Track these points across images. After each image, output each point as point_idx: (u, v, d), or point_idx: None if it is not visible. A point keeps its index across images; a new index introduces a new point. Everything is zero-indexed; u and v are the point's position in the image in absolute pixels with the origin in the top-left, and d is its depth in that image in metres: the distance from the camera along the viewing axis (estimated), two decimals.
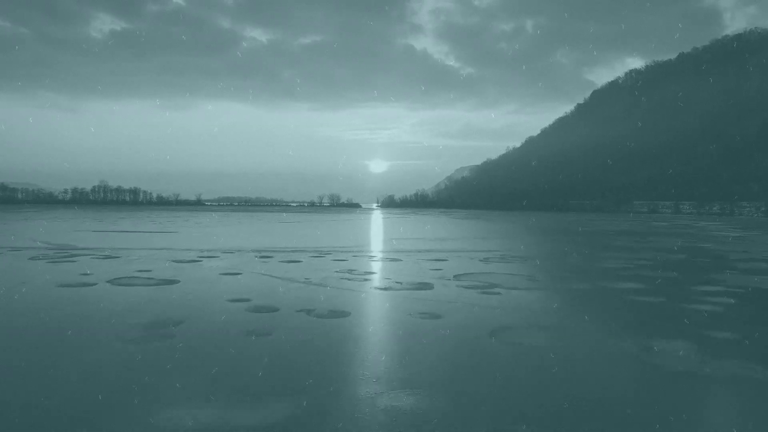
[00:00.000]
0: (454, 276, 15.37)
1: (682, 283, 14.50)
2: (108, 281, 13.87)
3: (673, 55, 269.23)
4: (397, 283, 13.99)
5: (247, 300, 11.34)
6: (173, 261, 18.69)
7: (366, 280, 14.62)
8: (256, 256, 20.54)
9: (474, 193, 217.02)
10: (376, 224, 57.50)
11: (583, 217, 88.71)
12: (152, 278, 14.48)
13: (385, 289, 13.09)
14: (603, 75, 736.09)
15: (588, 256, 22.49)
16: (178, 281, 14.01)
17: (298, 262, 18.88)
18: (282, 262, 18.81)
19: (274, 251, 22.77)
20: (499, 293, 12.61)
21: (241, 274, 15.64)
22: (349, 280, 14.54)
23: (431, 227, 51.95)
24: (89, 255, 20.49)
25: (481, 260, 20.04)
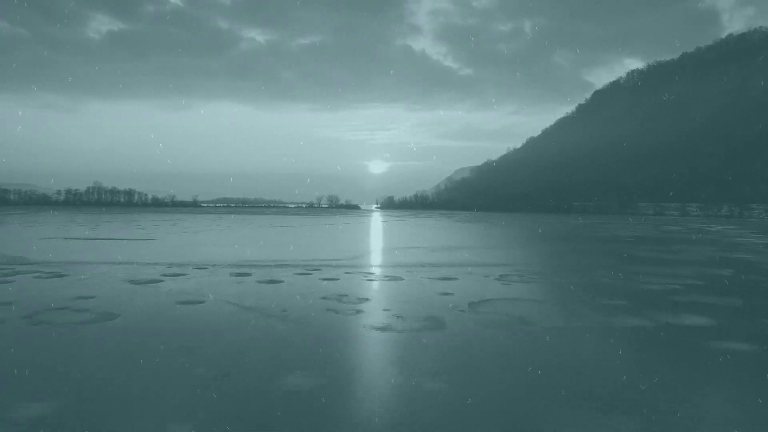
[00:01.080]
0: (470, 305, 12.27)
1: (760, 315, 11.39)
2: (26, 316, 10.73)
3: (672, 56, 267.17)
4: (398, 318, 10.87)
5: (194, 350, 8.25)
6: (129, 282, 15.55)
7: (359, 312, 11.51)
8: (230, 274, 17.40)
9: (475, 195, 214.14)
10: (375, 229, 54.41)
11: (590, 220, 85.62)
12: (87, 310, 11.36)
13: (382, 329, 9.96)
14: (601, 76, 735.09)
15: (619, 271, 19.37)
16: (118, 316, 10.89)
17: (279, 282, 15.75)
18: (260, 282, 15.68)
19: (254, 265, 19.65)
20: (532, 333, 9.53)
21: (203, 302, 12.50)
22: (337, 313, 11.42)
23: (434, 232, 48.89)
24: (34, 272, 17.34)
25: (497, 278, 16.94)
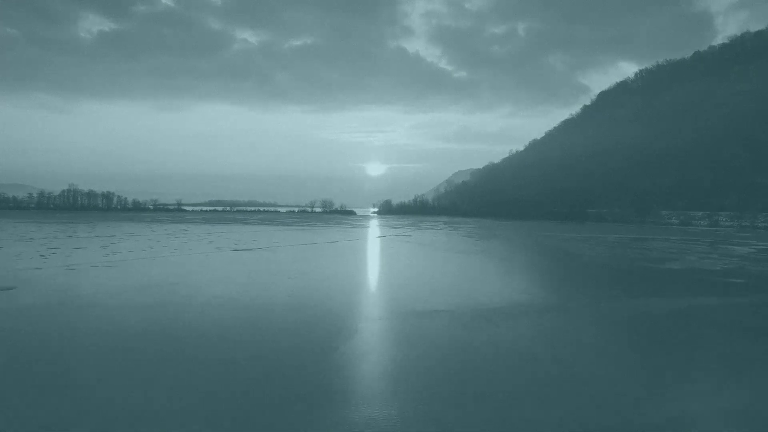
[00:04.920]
0: None
1: None
2: None
3: (669, 57, 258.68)
4: None
5: None
6: None
7: None
8: None
9: (477, 199, 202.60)
10: (371, 259, 42.41)
11: (621, 234, 73.75)
12: None
13: None
14: (596, 78, 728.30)
15: None
16: None
17: None
18: None
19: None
20: None
21: None
22: None
23: (448, 264, 37.02)
24: None
25: None
